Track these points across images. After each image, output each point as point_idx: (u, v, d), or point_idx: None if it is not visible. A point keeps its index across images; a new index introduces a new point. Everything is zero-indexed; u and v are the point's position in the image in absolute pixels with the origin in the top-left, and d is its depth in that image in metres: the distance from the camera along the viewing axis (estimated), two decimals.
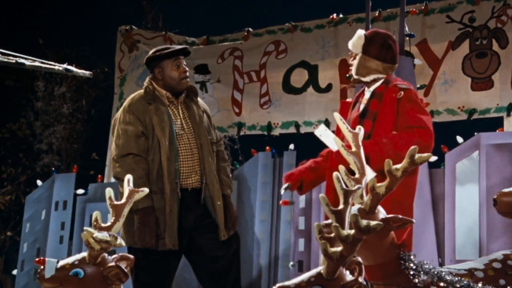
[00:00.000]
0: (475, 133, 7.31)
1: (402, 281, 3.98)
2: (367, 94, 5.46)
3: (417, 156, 3.58)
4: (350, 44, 5.65)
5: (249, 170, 8.06)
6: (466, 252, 6.94)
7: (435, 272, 4.03)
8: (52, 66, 7.05)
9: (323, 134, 5.48)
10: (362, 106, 5.40)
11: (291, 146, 8.12)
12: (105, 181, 9.61)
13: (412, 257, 4.05)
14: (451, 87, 8.90)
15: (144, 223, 5.51)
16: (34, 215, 9.19)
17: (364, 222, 3.22)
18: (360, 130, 4.14)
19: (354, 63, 5.53)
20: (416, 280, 3.98)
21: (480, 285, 3.99)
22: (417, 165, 3.63)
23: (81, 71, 7.29)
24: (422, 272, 3.99)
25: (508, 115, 8.81)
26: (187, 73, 5.99)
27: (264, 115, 9.80)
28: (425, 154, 3.64)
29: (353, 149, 4.03)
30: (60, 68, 7.12)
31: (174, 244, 5.61)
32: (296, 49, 9.79)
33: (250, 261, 7.79)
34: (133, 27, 10.74)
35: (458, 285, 3.99)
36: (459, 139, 7.38)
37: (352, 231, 3.23)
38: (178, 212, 5.70)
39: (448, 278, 4.01)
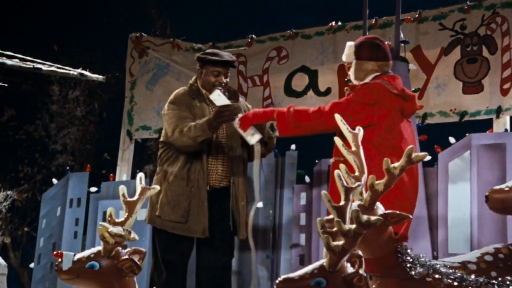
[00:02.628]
0: (467, 134, 7.31)
1: (399, 273, 3.99)
2: None
3: (414, 155, 3.60)
4: (344, 57, 5.73)
5: (250, 170, 8.07)
6: (458, 246, 6.94)
7: (431, 265, 4.05)
8: (67, 71, 7.06)
9: (217, 98, 5.73)
10: None
11: (293, 147, 8.12)
12: (116, 179, 9.61)
13: (408, 250, 4.06)
14: (443, 90, 8.89)
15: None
16: (50, 212, 9.20)
17: (364, 217, 3.24)
18: (360, 131, 4.15)
19: (351, 70, 5.59)
20: (413, 272, 3.99)
21: (473, 277, 4.01)
22: (414, 163, 3.65)
23: (94, 76, 7.30)
24: (418, 265, 4.01)
25: (497, 117, 8.79)
26: (223, 83, 6.04)
27: None
28: (421, 154, 3.66)
29: (353, 148, 4.04)
30: (75, 73, 7.13)
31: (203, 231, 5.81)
32: (297, 55, 9.77)
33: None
34: (143, 34, 10.73)
35: (452, 277, 4.00)
36: (452, 139, 7.38)
37: (353, 226, 3.25)
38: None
39: (443, 270, 4.02)
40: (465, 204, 7.08)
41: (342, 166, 3.81)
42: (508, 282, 3.97)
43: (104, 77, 7.62)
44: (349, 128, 4.14)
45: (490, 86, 8.90)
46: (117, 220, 3.88)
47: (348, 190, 3.49)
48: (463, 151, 7.17)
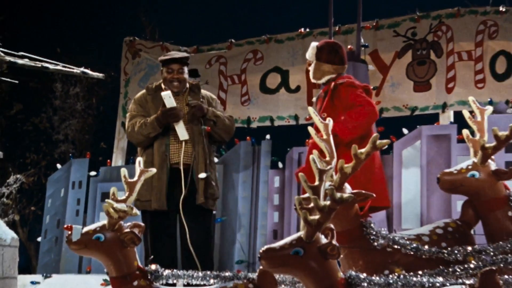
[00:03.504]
0: (417, 126, 7.34)
1: (364, 244, 4.04)
2: (322, 93, 5.54)
3: (377, 142, 3.63)
4: (307, 55, 5.72)
5: (233, 156, 8.06)
6: (410, 222, 6.98)
7: (390, 237, 4.10)
8: (71, 70, 7.00)
9: (166, 100, 5.83)
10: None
11: (267, 136, 8.11)
12: (112, 165, 9.59)
13: (372, 225, 4.11)
14: (397, 88, 8.97)
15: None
16: (55, 193, 9.15)
17: (338, 194, 3.26)
18: (330, 121, 4.17)
19: (311, 69, 5.59)
20: (375, 244, 4.04)
21: (426, 247, 4.07)
22: (378, 149, 3.68)
23: (95, 74, 7.25)
24: (380, 237, 4.06)
25: (443, 111, 8.89)
26: (178, 77, 6.05)
27: (244, 111, 9.78)
28: (384, 141, 3.70)
29: (324, 136, 4.05)
30: (78, 71, 7.07)
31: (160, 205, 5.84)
32: (271, 57, 9.79)
33: (233, 230, 7.80)
34: (136, 38, 10.72)
35: (409, 247, 4.06)
36: (405, 130, 7.41)
37: (328, 202, 3.26)
38: (167, 181, 5.86)
39: (401, 241, 4.08)
40: (415, 186, 7.13)
41: (315, 151, 3.79)
42: (456, 251, 4.03)
43: (103, 75, 7.57)
44: (321, 119, 4.15)
45: (436, 85, 8.99)
46: (119, 198, 3.87)
47: (321, 172, 3.51)
48: (414, 140, 7.21)
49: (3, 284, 5.89)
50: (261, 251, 3.28)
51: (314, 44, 5.60)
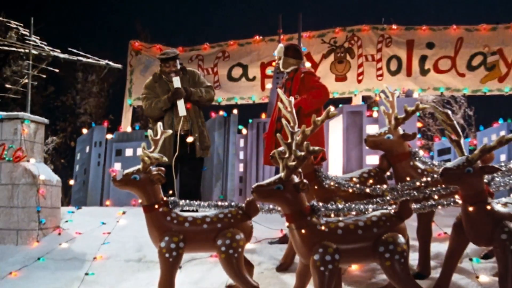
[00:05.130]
0: (340, 105, 7.44)
1: (316, 184, 4.05)
2: (287, 78, 5.49)
3: (330, 112, 3.62)
4: (276, 52, 5.64)
5: (210, 125, 8.02)
6: (335, 170, 7.10)
7: (334, 179, 4.11)
8: (98, 61, 6.82)
9: (175, 82, 5.73)
10: (285, 86, 5.44)
11: (235, 111, 8.07)
12: (122, 130, 9.46)
13: (322, 170, 4.13)
14: (324, 80, 8.80)
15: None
16: (82, 149, 8.98)
17: (312, 147, 3.27)
18: (292, 99, 4.13)
19: (280, 62, 5.53)
20: (324, 182, 4.05)
21: (358, 185, 4.09)
22: (330, 118, 3.65)
23: (115, 65, 7.08)
24: (327, 179, 4.07)
25: (355, 95, 9.03)
26: (175, 70, 5.96)
27: (216, 93, 9.70)
28: (334, 111, 3.65)
29: (289, 109, 4.03)
30: (103, 63, 6.89)
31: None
32: (235, 56, 9.73)
33: (212, 177, 7.80)
34: (138, 41, 10.52)
35: (346, 186, 4.06)
36: (332, 108, 7.46)
37: (303, 153, 3.28)
38: (173, 143, 5.73)
39: (341, 182, 4.09)
40: (339, 148, 7.24)
41: (283, 120, 3.71)
42: (377, 189, 4.07)
43: (121, 65, 7.39)
44: (286, 97, 4.11)
45: (350, 78, 9.12)
46: (147, 150, 3.81)
47: (292, 133, 3.51)
48: (338, 115, 7.22)
49: (52, 212, 5.80)
50: (253, 187, 3.27)
51: (281, 45, 5.55)
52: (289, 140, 3.44)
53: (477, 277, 3.85)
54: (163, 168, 3.86)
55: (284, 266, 4.33)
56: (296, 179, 3.32)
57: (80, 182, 8.79)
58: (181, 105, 5.80)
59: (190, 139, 5.83)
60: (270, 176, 7.38)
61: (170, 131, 4.09)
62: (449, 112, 3.59)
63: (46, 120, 6.25)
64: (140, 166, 3.71)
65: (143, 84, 6.29)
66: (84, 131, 9.26)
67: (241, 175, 7.92)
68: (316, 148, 3.28)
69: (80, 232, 5.57)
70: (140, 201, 3.77)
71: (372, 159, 6.86)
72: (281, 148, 3.51)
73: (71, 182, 8.72)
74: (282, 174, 3.29)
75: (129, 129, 9.67)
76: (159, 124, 4.16)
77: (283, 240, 4.98)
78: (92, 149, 8.70)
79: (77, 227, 5.73)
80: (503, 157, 6.88)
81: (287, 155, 3.33)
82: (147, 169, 3.71)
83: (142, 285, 4.37)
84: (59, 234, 5.62)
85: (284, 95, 4.12)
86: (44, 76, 6.59)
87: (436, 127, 15.95)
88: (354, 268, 4.20)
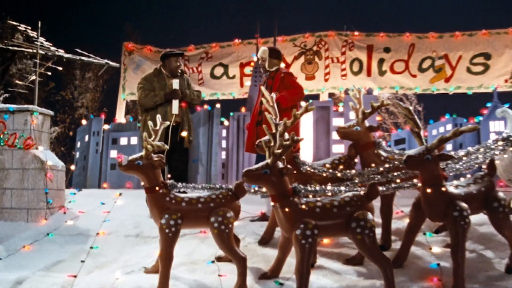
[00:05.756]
0: (310, 101, 7.47)
1: (295, 169, 4.05)
2: (268, 77, 5.46)
3: (309, 107, 3.62)
4: (260, 53, 5.52)
5: (196, 118, 7.98)
6: (307, 158, 7.11)
7: (310, 165, 4.11)
8: (98, 60, 6.69)
9: (174, 84, 5.52)
10: (266, 84, 5.40)
11: (218, 105, 8.05)
12: (117, 122, 9.33)
13: (300, 157, 4.13)
14: (296, 79, 9.04)
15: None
16: (82, 138, 8.84)
17: (296, 137, 3.28)
18: (273, 95, 4.12)
19: (266, 63, 5.46)
20: (301, 168, 4.04)
21: (330, 170, 4.10)
22: (308, 111, 3.66)
23: (113, 63, 6.96)
24: (305, 164, 4.07)
25: (323, 92, 9.06)
26: (181, 66, 5.88)
27: (201, 89, 9.63)
28: (312, 106, 3.64)
29: (271, 104, 4.02)
30: (103, 62, 6.77)
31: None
32: (217, 57, 9.67)
33: (197, 163, 7.76)
34: (131, 42, 10.34)
35: (321, 170, 4.08)
36: (303, 103, 7.48)
37: (288, 142, 3.29)
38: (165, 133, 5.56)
39: (316, 167, 4.11)
40: (310, 138, 7.28)
41: (267, 114, 3.70)
42: (347, 173, 4.10)
43: (118, 64, 7.26)
44: (269, 94, 4.10)
45: (319, 77, 9.14)
46: (149, 139, 3.76)
47: (276, 125, 3.50)
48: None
49: (57, 193, 5.72)
50: (243, 171, 3.27)
51: (264, 48, 5.46)
52: (274, 131, 3.44)
53: (430, 249, 3.94)
54: (162, 155, 3.82)
55: (265, 240, 4.35)
56: (280, 165, 3.33)
57: (80, 167, 8.65)
58: (175, 104, 5.72)
59: (184, 133, 5.79)
60: (249, 163, 7.48)
61: (167, 122, 4.05)
62: (411, 107, 3.65)
63: (51, 112, 6.14)
64: (143, 153, 3.68)
65: (135, 81, 6.19)
66: (84, 122, 9.10)
67: (223, 162, 7.90)
68: (299, 137, 3.29)
69: (83, 211, 5.51)
70: (133, 184, 3.73)
71: (338, 148, 6.91)
72: (265, 138, 3.51)
73: (72, 167, 8.60)
74: (268, 160, 3.29)
75: (123, 120, 9.57)
76: (158, 116, 4.12)
77: (262, 218, 5.02)
78: (91, 138, 8.57)
79: (79, 207, 5.67)
80: (449, 147, 7.02)
81: (272, 143, 3.33)
82: (149, 156, 3.67)
83: (141, 256, 4.36)
84: (64, 213, 5.56)
85: (267, 92, 4.12)
86: (50, 73, 6.46)
87: (391, 121, 16.21)
88: (326, 242, 4.25)
